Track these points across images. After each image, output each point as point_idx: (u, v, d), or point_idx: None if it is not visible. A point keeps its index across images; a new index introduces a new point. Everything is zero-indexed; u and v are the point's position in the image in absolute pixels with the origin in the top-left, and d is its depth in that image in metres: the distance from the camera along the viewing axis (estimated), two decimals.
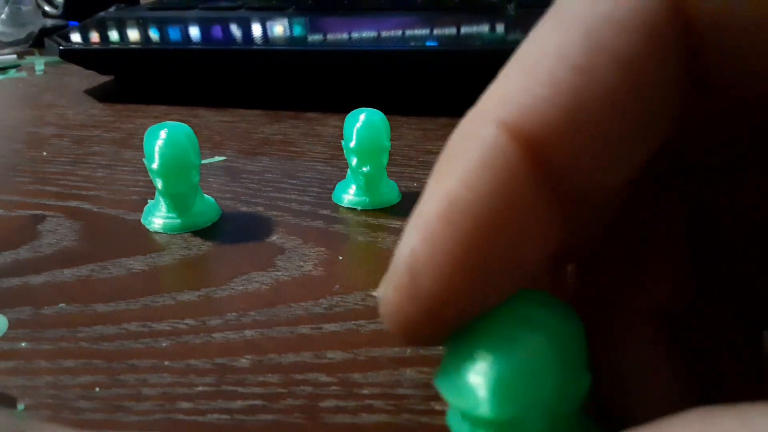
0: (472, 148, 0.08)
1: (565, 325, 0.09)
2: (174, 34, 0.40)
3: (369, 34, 0.37)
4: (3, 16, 0.52)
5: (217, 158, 0.29)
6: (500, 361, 0.08)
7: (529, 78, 0.08)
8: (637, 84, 0.08)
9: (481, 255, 0.08)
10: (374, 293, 0.18)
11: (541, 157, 0.08)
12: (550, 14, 0.08)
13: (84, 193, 0.25)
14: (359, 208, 0.23)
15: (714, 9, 0.07)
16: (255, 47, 0.36)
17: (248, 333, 0.16)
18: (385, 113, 0.23)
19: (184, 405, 0.14)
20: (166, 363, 0.15)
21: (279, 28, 0.39)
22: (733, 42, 0.08)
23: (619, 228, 0.11)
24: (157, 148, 0.21)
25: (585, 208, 0.09)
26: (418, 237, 0.08)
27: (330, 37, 0.37)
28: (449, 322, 0.09)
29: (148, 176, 0.22)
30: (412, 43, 0.34)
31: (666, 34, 0.08)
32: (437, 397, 0.14)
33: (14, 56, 0.50)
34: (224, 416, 0.14)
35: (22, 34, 0.53)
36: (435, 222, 0.08)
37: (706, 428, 0.06)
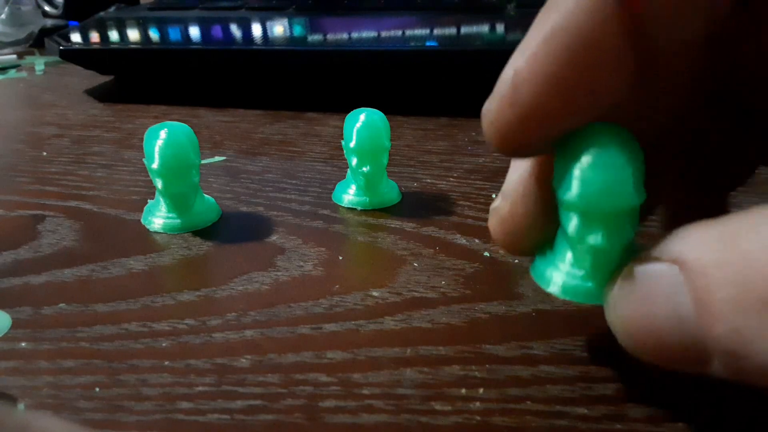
0: None
1: (635, 148, 0.11)
2: (174, 34, 0.40)
3: (369, 34, 0.37)
4: (3, 16, 0.52)
5: (217, 158, 0.29)
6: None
7: None
8: None
9: (570, 76, 0.10)
10: (374, 293, 0.18)
11: (631, 5, 0.10)
12: None
13: (84, 193, 0.25)
14: (359, 208, 0.23)
15: None
16: (255, 47, 0.36)
17: (248, 333, 0.16)
18: (385, 113, 0.23)
19: (184, 405, 0.14)
20: (166, 363, 0.15)
21: (279, 28, 0.39)
22: None
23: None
24: (157, 148, 0.21)
25: (656, 64, 0.11)
26: (521, 57, 0.11)
27: (330, 37, 0.37)
28: (538, 133, 0.11)
29: (148, 176, 0.22)
30: (412, 43, 0.34)
31: None
32: (437, 397, 0.14)
33: (14, 56, 0.50)
34: (224, 416, 0.14)
35: (22, 34, 0.54)
36: (537, 45, 0.10)
37: None
